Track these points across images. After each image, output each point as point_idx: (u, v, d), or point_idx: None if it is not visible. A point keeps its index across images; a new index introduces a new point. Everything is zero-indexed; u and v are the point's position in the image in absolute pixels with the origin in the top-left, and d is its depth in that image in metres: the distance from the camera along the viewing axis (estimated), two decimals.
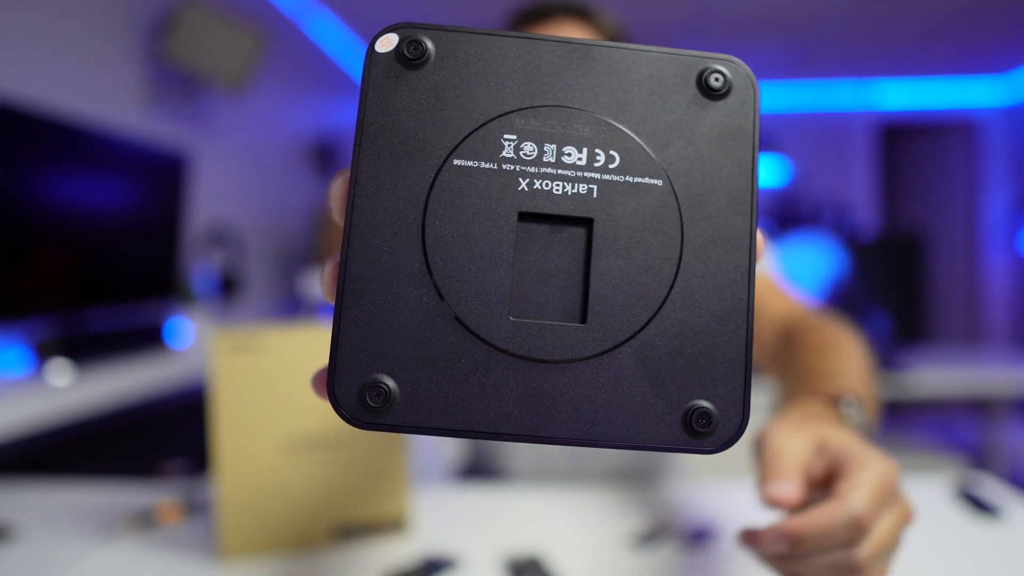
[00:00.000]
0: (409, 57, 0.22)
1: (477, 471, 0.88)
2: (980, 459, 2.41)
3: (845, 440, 0.39)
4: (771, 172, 4.34)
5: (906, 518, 0.37)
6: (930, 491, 0.73)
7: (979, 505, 0.68)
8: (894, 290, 2.37)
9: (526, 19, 0.78)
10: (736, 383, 0.21)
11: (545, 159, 0.22)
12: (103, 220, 1.56)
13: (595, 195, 0.22)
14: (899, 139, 4.48)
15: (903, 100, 4.31)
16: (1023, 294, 4.13)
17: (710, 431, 0.21)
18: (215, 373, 0.57)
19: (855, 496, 0.34)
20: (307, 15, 2.89)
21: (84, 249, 1.50)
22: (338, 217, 0.23)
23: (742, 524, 0.65)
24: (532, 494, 0.73)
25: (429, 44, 0.22)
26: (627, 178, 0.22)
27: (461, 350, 0.21)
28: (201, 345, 1.80)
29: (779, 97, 4.33)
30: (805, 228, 3.82)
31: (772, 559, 0.36)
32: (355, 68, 3.56)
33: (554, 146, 0.22)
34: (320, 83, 3.21)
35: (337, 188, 0.23)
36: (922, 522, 0.65)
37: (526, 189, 0.22)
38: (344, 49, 3.35)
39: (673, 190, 0.22)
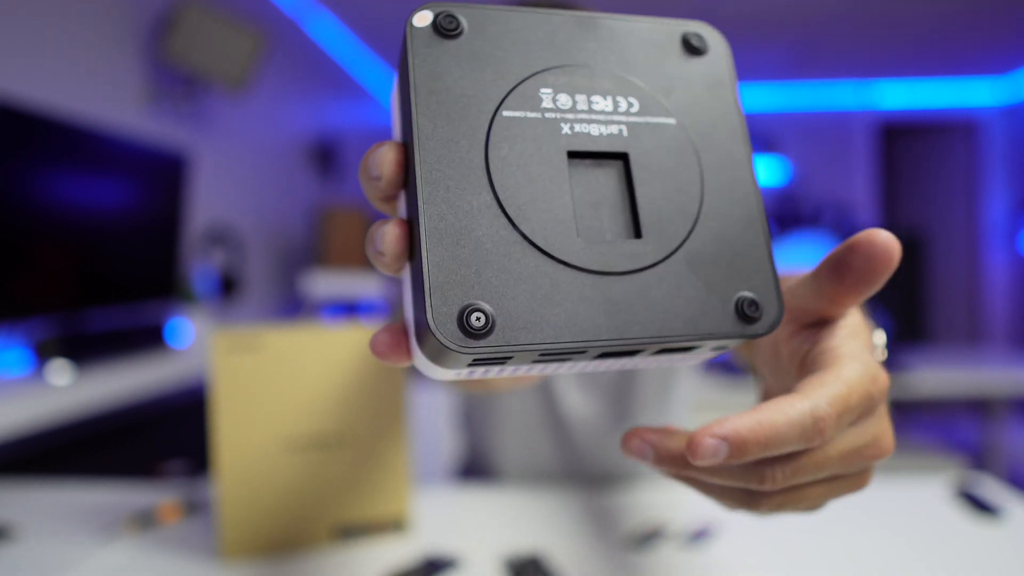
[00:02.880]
0: (446, 28, 0.25)
1: (472, 471, 0.88)
2: (980, 459, 2.41)
3: (844, 332, 0.29)
4: (771, 172, 4.33)
5: (880, 446, 0.28)
6: (930, 491, 0.73)
7: (979, 505, 0.68)
8: (894, 290, 2.37)
9: None
10: (768, 274, 0.25)
11: (579, 107, 0.25)
12: (103, 220, 1.56)
13: (625, 134, 0.26)
14: (899, 138, 4.48)
15: (903, 100, 4.31)
16: (1023, 294, 4.13)
17: (759, 316, 0.24)
18: (215, 373, 0.57)
19: (821, 393, 0.25)
20: (307, 15, 2.89)
21: (84, 249, 1.50)
22: (386, 183, 0.24)
23: (742, 524, 0.65)
24: (532, 494, 0.73)
25: (461, 18, 0.25)
26: (647, 119, 0.26)
27: (543, 272, 0.23)
28: (201, 345, 1.80)
29: (779, 97, 4.33)
30: (805, 228, 3.82)
31: (689, 472, 0.27)
32: (355, 68, 3.56)
33: (584, 96, 0.26)
34: (320, 83, 3.21)
35: (384, 153, 0.24)
36: (922, 522, 0.65)
37: (569, 132, 0.25)
38: (344, 49, 3.35)
39: (684, 126, 0.26)
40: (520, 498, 0.72)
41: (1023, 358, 2.43)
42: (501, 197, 0.23)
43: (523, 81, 0.25)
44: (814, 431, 0.24)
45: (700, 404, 1.96)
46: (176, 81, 2.04)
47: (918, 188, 4.47)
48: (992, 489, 0.73)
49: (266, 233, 2.68)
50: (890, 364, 2.12)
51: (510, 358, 0.22)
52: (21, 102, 1.33)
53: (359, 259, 2.90)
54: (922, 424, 3.59)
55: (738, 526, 0.65)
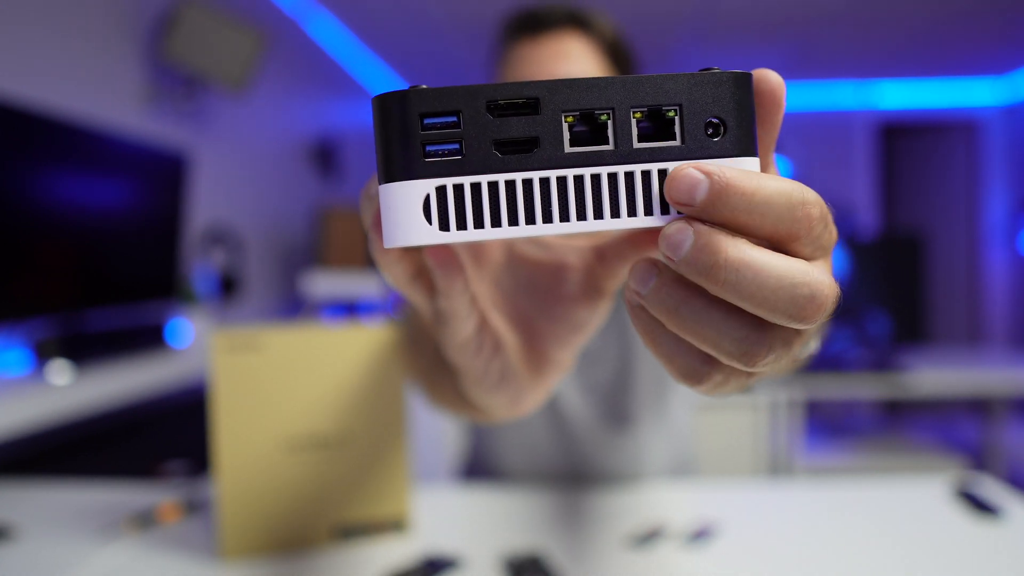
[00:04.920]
0: None
1: (475, 472, 0.88)
2: (980, 459, 2.41)
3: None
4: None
5: (834, 288, 0.22)
6: (930, 491, 0.73)
7: (979, 505, 0.68)
8: (894, 290, 2.37)
9: (523, 29, 0.77)
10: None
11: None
12: (103, 220, 1.56)
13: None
14: (899, 138, 4.48)
15: (903, 100, 4.31)
16: (1023, 294, 4.13)
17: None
18: (215, 373, 0.57)
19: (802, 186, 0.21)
20: (308, 14, 2.89)
21: (84, 249, 1.50)
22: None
23: (742, 524, 0.65)
24: (532, 494, 0.73)
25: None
26: None
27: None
28: (201, 345, 1.80)
29: None
30: None
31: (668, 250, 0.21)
32: (356, 68, 3.56)
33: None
34: (321, 83, 3.21)
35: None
36: (922, 522, 0.65)
37: None
38: (345, 49, 3.35)
39: None
40: (520, 498, 0.72)
41: (1023, 358, 2.43)
42: None
43: None
44: (801, 210, 0.21)
45: (700, 406, 1.97)
46: (176, 81, 2.04)
47: (918, 188, 4.47)
48: (992, 489, 0.73)
49: (266, 233, 2.68)
50: (890, 364, 2.12)
51: (460, 114, 0.21)
52: (21, 102, 1.33)
53: (359, 259, 2.90)
54: (922, 424, 3.59)
55: (738, 526, 0.65)
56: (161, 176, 1.75)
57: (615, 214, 0.22)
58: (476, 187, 0.22)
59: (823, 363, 2.12)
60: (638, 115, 0.22)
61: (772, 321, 0.21)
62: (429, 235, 0.22)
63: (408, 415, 0.64)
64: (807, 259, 0.22)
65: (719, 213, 0.20)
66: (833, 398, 2.90)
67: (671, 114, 0.22)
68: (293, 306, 2.84)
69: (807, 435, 2.28)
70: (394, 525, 0.63)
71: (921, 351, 2.45)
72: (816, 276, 0.21)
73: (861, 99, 4.31)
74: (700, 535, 0.62)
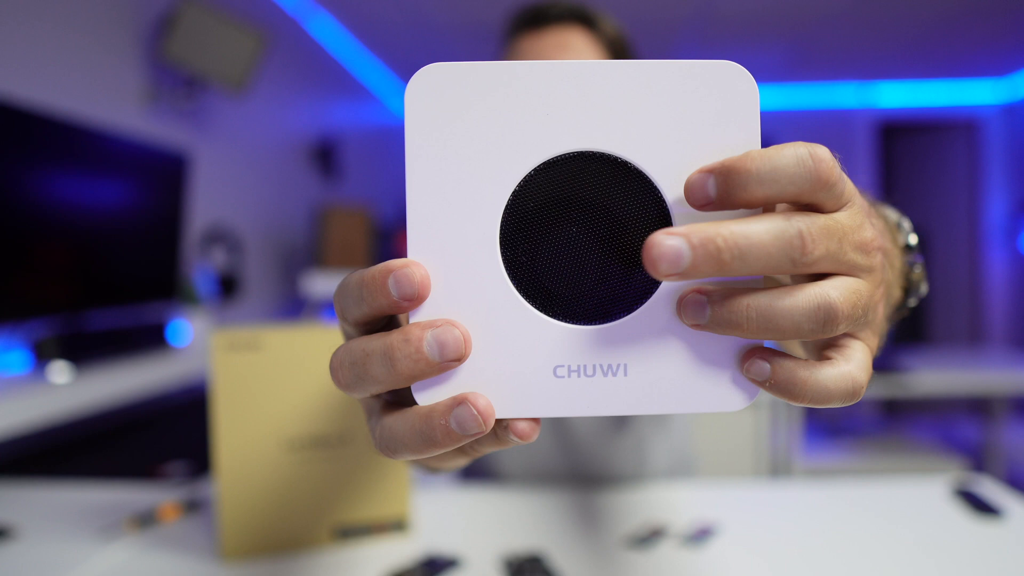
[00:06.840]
0: None
1: (474, 474, 0.88)
2: (980, 459, 2.41)
3: None
4: None
5: (874, 240, 0.26)
6: (930, 491, 0.73)
7: (979, 505, 0.68)
8: None
9: (526, 24, 0.77)
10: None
11: None
12: (103, 220, 1.56)
13: None
14: (899, 138, 4.47)
15: (903, 100, 4.31)
16: (1023, 294, 4.13)
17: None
18: (215, 372, 0.57)
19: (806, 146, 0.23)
20: (308, 14, 2.89)
21: (84, 250, 1.50)
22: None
23: (742, 524, 0.65)
24: (532, 494, 0.73)
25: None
26: None
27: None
28: (201, 345, 1.80)
29: (779, 97, 4.33)
30: None
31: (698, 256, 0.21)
32: (356, 67, 3.56)
33: None
34: (321, 83, 3.21)
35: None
36: (922, 522, 0.65)
37: None
38: (345, 48, 3.35)
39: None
40: (520, 498, 0.72)
41: (1023, 358, 2.43)
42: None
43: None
44: (814, 160, 0.23)
45: None
46: (176, 81, 2.04)
47: (918, 188, 4.47)
48: (992, 489, 0.73)
49: (266, 233, 2.68)
50: (890, 364, 2.12)
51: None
52: (21, 102, 1.33)
53: (359, 259, 2.90)
54: (922, 424, 3.59)
55: (738, 526, 0.65)
56: (161, 176, 1.75)
57: None
58: None
59: None
60: None
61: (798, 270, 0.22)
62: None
63: None
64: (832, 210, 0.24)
65: (741, 194, 0.22)
66: None
67: None
68: (293, 306, 2.84)
69: (807, 435, 2.28)
70: (394, 525, 0.63)
71: (921, 351, 2.45)
72: (797, 224, 0.22)
73: (861, 99, 4.31)
74: (700, 535, 0.62)
